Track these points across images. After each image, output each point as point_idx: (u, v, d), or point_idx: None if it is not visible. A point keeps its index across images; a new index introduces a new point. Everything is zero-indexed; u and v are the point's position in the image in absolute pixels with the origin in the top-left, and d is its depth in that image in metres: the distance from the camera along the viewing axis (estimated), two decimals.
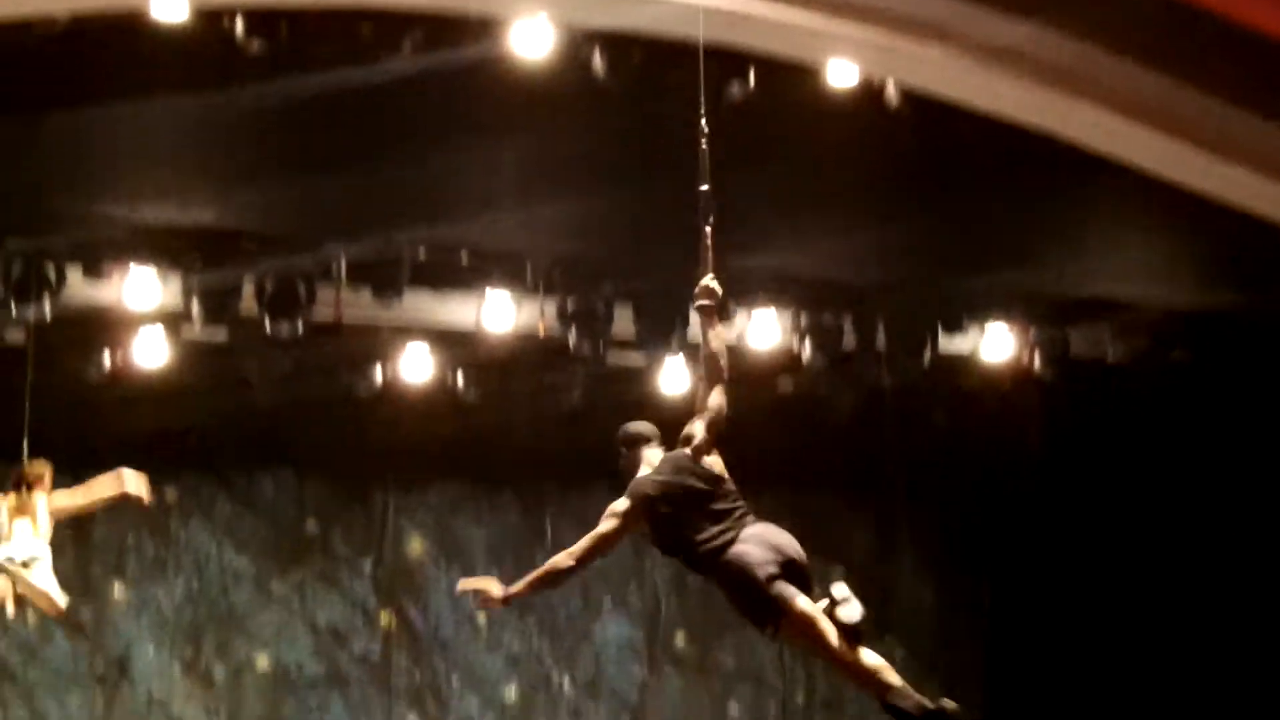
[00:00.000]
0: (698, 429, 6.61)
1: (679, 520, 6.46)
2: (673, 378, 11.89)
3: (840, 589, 6.59)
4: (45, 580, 9.18)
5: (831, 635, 6.29)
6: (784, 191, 10.23)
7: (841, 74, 9.55)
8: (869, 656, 6.37)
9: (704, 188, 6.88)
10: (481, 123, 9.65)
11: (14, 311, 10.13)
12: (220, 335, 10.88)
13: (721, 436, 6.61)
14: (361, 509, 13.29)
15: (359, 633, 13.07)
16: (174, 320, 10.78)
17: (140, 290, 10.41)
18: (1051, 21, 8.73)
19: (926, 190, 10.51)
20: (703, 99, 7.00)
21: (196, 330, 10.82)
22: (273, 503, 13.12)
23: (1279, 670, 12.16)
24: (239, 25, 9.04)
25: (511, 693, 13.32)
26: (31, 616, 12.28)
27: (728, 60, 9.14)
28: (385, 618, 13.16)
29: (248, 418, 11.71)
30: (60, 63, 9.06)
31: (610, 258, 10.99)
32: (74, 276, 10.22)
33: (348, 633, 13.04)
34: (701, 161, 6.93)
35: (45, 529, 9.31)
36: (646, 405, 12.09)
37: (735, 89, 9.46)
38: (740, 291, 10.91)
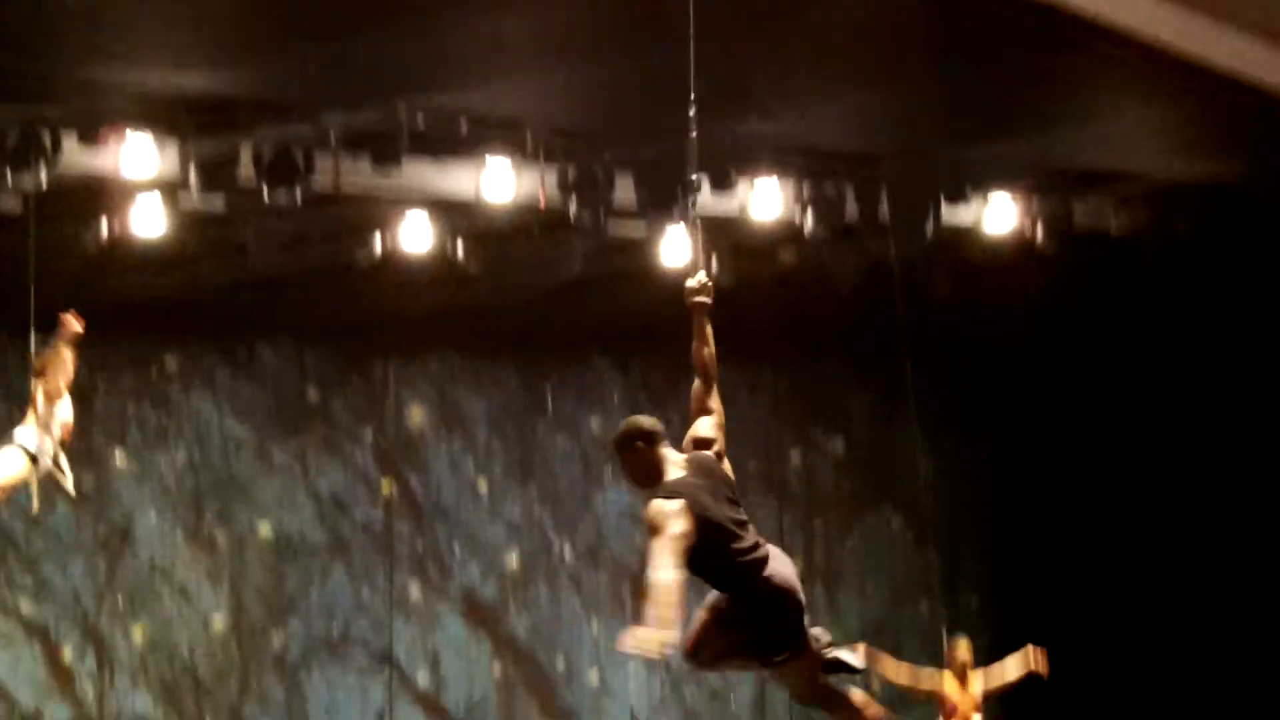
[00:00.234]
0: (707, 429, 6.20)
1: (716, 529, 5.92)
2: (674, 248, 11.84)
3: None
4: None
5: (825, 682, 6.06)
6: (786, 60, 10.09)
7: None
8: (857, 694, 6.22)
9: (693, 176, 6.69)
10: None
11: (10, 180, 10.04)
12: (218, 204, 10.79)
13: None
14: (362, 378, 13.31)
15: (360, 501, 13.15)
16: (171, 188, 10.69)
17: (137, 158, 10.31)
18: None
19: (930, 59, 10.37)
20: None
21: (194, 198, 10.74)
22: (273, 372, 13.14)
23: (1277, 526, 12.23)
24: None
25: (513, 560, 13.43)
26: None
27: None
28: (386, 486, 13.23)
29: (247, 286, 11.68)
30: None
31: (611, 126, 10.88)
32: (70, 144, 10.12)
33: (349, 501, 13.12)
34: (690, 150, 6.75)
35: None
36: (647, 276, 12.11)
37: None
38: (742, 161, 10.83)
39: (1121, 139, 11.28)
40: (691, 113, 6.54)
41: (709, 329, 6.20)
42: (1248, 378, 12.52)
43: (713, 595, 6.06)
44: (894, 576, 14.18)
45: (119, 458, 12.62)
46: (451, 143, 10.68)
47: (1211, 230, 11.97)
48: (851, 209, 11.46)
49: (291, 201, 10.53)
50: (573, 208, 10.97)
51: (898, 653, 13.40)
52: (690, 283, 6.21)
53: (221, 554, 12.74)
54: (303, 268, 11.65)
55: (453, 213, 11.39)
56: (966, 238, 11.98)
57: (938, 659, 13.44)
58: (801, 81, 10.32)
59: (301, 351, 13.17)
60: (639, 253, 11.91)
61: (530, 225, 11.55)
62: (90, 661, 12.25)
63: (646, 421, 6.18)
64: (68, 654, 12.22)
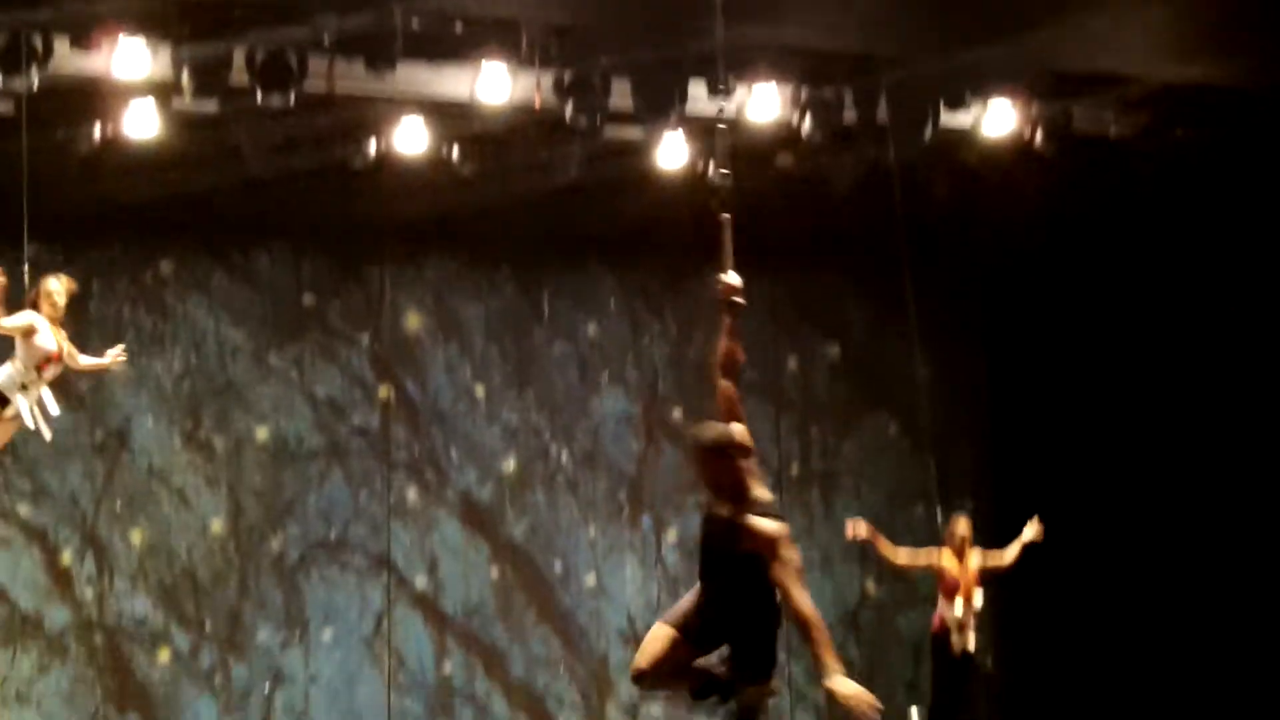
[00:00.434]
0: (744, 435, 6.14)
1: None
2: (671, 152, 11.77)
3: None
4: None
5: None
6: None
7: None
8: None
9: (723, 171, 6.65)
10: None
11: (1, 83, 9.97)
12: (211, 107, 10.73)
13: None
14: (358, 283, 13.28)
15: (357, 405, 13.17)
16: (164, 91, 10.62)
17: (130, 61, 10.23)
18: None
19: None
20: None
21: (187, 102, 10.67)
22: (269, 277, 13.11)
23: (1276, 437, 12.26)
24: None
25: (510, 465, 13.46)
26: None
27: None
28: (383, 391, 13.24)
29: (241, 191, 11.62)
30: None
31: (607, 28, 10.79)
32: (62, 48, 10.04)
33: (346, 405, 13.13)
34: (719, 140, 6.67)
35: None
36: (645, 181, 12.07)
37: None
38: (739, 64, 10.74)
39: (1121, 42, 11.19)
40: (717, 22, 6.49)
41: (731, 329, 6.23)
42: (1247, 282, 12.49)
43: (680, 612, 5.95)
44: (890, 482, 14.23)
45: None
46: (446, 45, 10.59)
47: (1211, 134, 11.91)
48: (849, 113, 11.39)
49: (285, 105, 10.47)
50: (569, 111, 10.90)
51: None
52: (726, 280, 6.25)
53: (219, 458, 12.77)
54: (298, 171, 11.58)
55: (448, 116, 11.32)
56: (965, 142, 11.92)
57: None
58: None
59: (297, 257, 13.14)
60: (636, 157, 11.85)
61: (526, 129, 11.49)
62: (89, 565, 12.32)
63: (740, 432, 6.09)
64: (67, 557, 12.29)
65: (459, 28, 10.50)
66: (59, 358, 8.95)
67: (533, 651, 13.23)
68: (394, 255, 13.32)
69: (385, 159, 11.51)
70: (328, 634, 12.76)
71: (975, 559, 10.41)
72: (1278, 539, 12.18)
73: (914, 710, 10.39)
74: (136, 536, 12.47)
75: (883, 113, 11.38)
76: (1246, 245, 12.37)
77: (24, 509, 12.25)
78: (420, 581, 13.07)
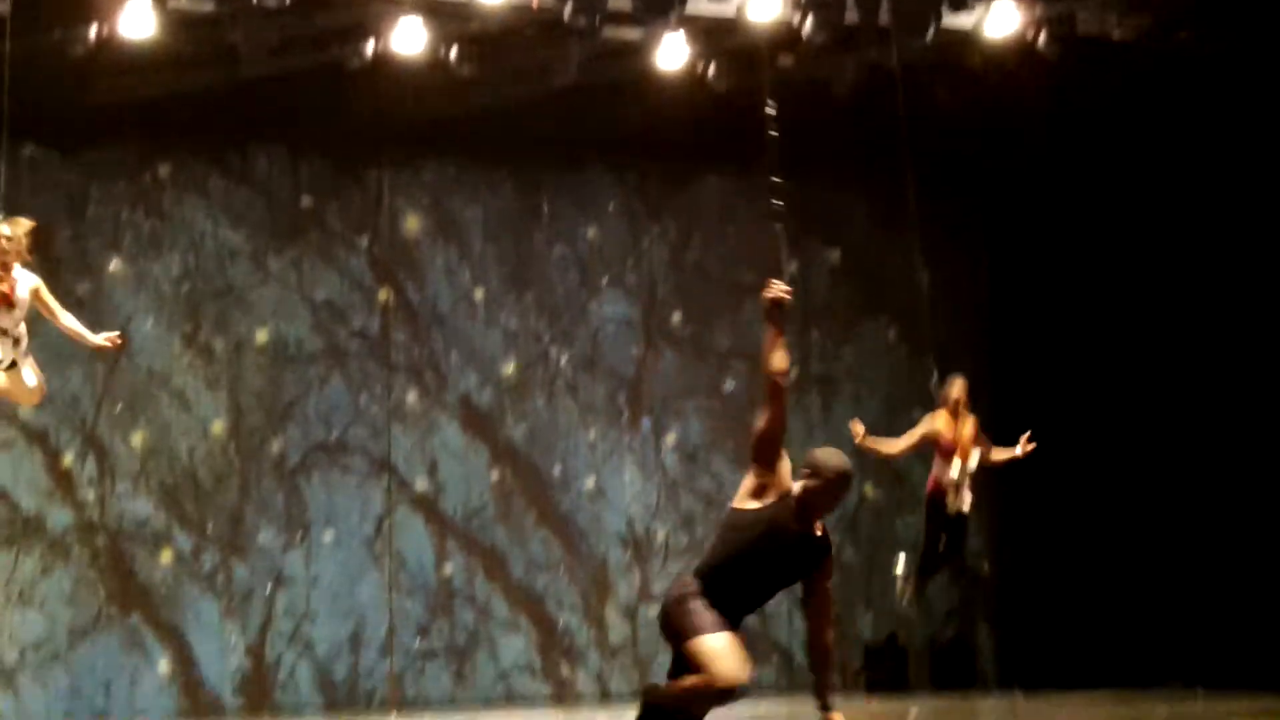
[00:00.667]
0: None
1: None
2: (670, 53, 11.67)
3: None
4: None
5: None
6: None
7: None
8: None
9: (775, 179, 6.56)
10: None
11: None
12: (207, 6, 10.64)
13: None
14: (357, 185, 13.23)
15: (357, 308, 13.16)
16: None
17: None
18: None
19: None
20: None
21: (183, 1, 10.58)
22: (267, 179, 13.06)
23: (1275, 337, 12.26)
24: None
25: (509, 368, 13.47)
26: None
27: None
28: (383, 294, 13.22)
29: (238, 92, 11.52)
30: None
31: None
32: None
33: (346, 308, 13.13)
34: (770, 149, 6.60)
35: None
36: (644, 82, 11.97)
37: None
38: None
39: None
40: None
41: (773, 339, 6.12)
42: (1248, 186, 12.44)
43: (719, 619, 5.96)
44: (889, 387, 14.23)
45: (114, 265, 12.60)
46: None
47: (1213, 36, 11.80)
48: (851, 14, 11.29)
49: (282, 4, 10.38)
50: (568, 11, 10.81)
51: (890, 460, 13.57)
52: (775, 290, 6.18)
53: (219, 361, 12.79)
54: (294, 71, 11.49)
55: (446, 16, 11.22)
56: (968, 43, 11.81)
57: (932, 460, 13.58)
58: None
59: (295, 159, 13.08)
60: (635, 58, 11.75)
61: (524, 30, 11.39)
62: (90, 467, 12.36)
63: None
64: (68, 459, 12.33)
65: None
66: (7, 301, 8.12)
67: (532, 554, 13.30)
68: (392, 157, 13.26)
69: (383, 60, 11.42)
70: (329, 536, 12.83)
71: (970, 422, 10.38)
72: (1277, 447, 12.20)
73: (900, 556, 10.42)
74: (137, 439, 12.50)
75: (885, 14, 11.27)
76: (1248, 148, 12.30)
77: (25, 411, 12.26)
78: (421, 484, 13.12)
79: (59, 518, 12.29)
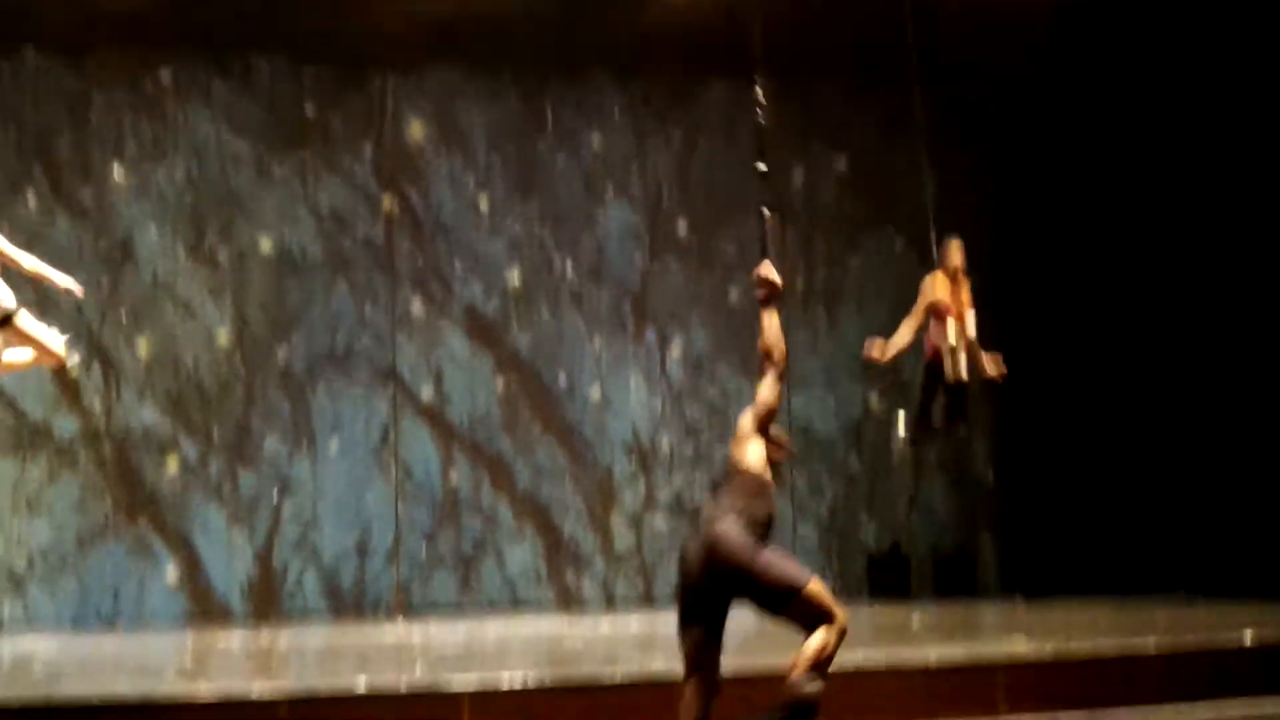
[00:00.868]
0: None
1: None
2: None
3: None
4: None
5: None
6: None
7: None
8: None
9: (761, 166, 6.50)
10: None
11: None
12: None
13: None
14: (359, 92, 13.15)
15: (361, 216, 13.12)
16: None
17: None
18: None
19: None
20: None
21: None
22: (269, 86, 12.98)
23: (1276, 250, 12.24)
24: None
25: (514, 278, 13.45)
26: (34, 202, 12.34)
27: None
28: (387, 202, 13.18)
29: None
30: None
31: None
32: None
33: (350, 217, 13.09)
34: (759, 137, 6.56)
35: None
36: None
37: None
38: None
39: None
40: None
41: (769, 321, 6.11)
42: (1253, 94, 12.34)
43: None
44: (895, 297, 14.15)
45: (117, 172, 12.55)
46: None
47: None
48: None
49: None
50: None
51: (896, 370, 13.57)
52: (766, 274, 6.19)
53: (223, 269, 12.77)
54: None
55: None
56: None
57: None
58: None
59: (298, 65, 12.99)
60: None
61: None
62: (96, 375, 12.38)
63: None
64: (74, 367, 12.32)
65: None
66: None
67: (538, 463, 13.34)
68: (395, 64, 13.17)
69: None
70: (334, 444, 12.86)
71: (967, 287, 10.33)
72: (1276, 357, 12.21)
73: (900, 414, 10.41)
74: (143, 347, 12.51)
75: None
76: (1254, 57, 12.20)
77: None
78: (426, 393, 13.14)
79: (65, 426, 12.32)
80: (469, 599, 13.00)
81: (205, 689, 7.01)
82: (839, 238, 14.25)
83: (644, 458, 13.58)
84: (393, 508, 12.95)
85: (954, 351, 10.16)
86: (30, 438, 12.23)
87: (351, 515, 12.85)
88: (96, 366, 12.39)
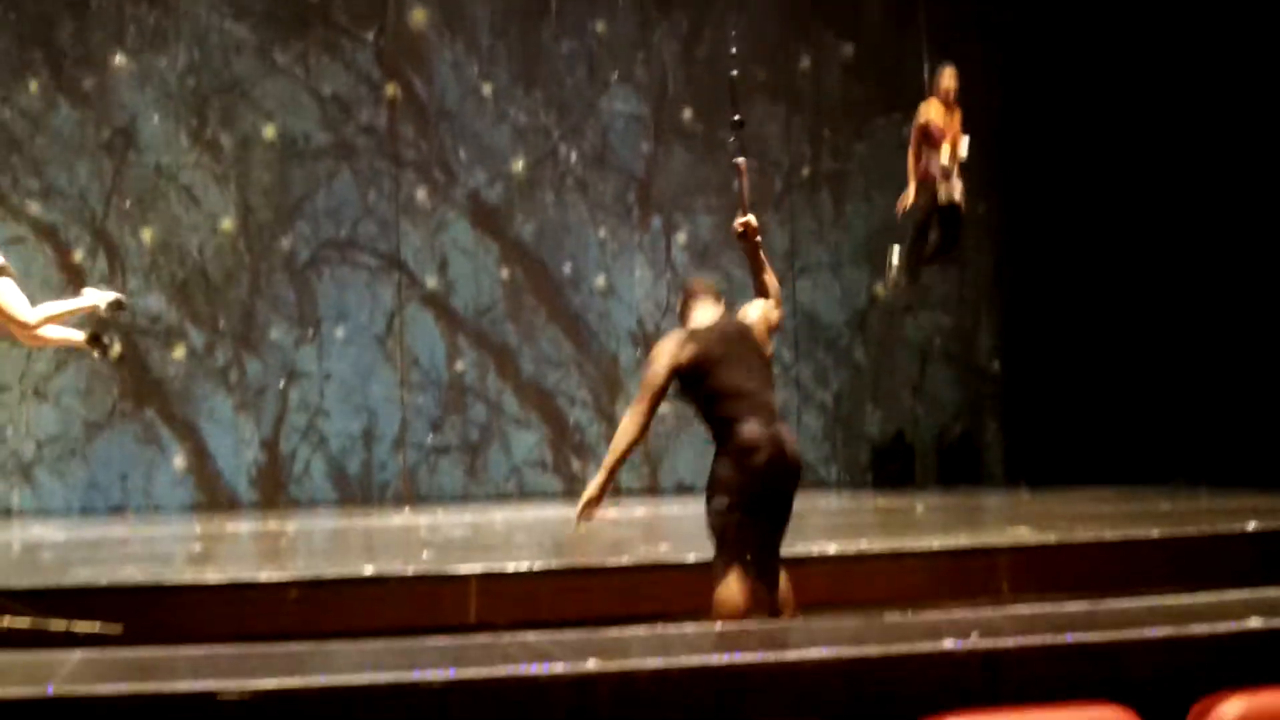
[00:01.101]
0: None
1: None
2: None
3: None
4: None
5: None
6: None
7: None
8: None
9: (736, 118, 6.44)
10: None
11: None
12: None
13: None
14: None
15: (364, 103, 13.03)
16: None
17: None
18: None
19: None
20: None
21: None
22: None
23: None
24: None
25: (518, 165, 13.39)
26: (36, 90, 12.25)
27: None
28: (390, 89, 13.09)
29: None
30: None
31: None
32: None
33: (353, 103, 13.00)
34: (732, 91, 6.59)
35: None
36: None
37: None
38: None
39: None
40: None
41: (758, 262, 6.14)
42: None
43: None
44: (900, 185, 14.10)
45: (119, 59, 12.46)
46: None
47: None
48: None
49: None
50: None
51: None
52: (747, 221, 6.11)
53: (226, 157, 12.71)
54: None
55: None
56: None
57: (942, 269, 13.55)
58: None
59: None
60: None
61: None
62: (101, 262, 12.37)
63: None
64: (79, 255, 12.33)
65: None
66: None
67: (543, 351, 13.36)
68: None
69: None
70: (340, 332, 12.87)
71: (960, 113, 10.28)
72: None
73: (894, 248, 10.37)
74: (147, 234, 12.49)
75: None
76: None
77: (34, 207, 12.25)
78: (431, 281, 13.13)
79: None
80: (475, 487, 13.06)
81: (214, 574, 7.06)
82: (846, 125, 14.16)
83: (649, 346, 13.55)
84: (398, 395, 12.98)
85: (946, 173, 10.10)
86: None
87: (358, 403, 12.89)
88: (102, 254, 12.37)
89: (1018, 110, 14.09)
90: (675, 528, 10.28)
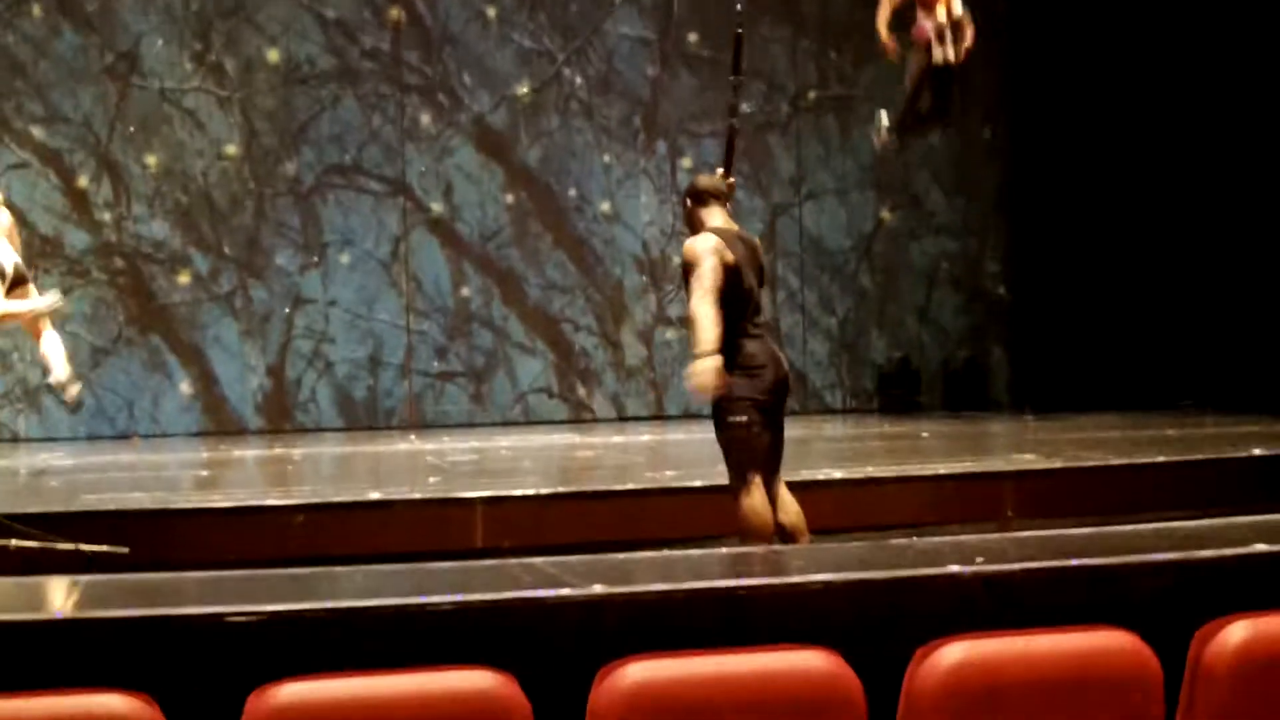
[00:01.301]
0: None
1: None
2: None
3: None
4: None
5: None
6: None
7: None
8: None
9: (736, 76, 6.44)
10: None
11: None
12: None
13: None
14: None
15: (367, 27, 12.95)
16: None
17: None
18: None
19: None
20: None
21: None
22: None
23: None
24: None
25: (523, 89, 13.31)
26: (39, 14, 12.18)
27: None
28: (394, 12, 13.00)
29: None
30: None
31: None
32: None
33: (356, 27, 12.92)
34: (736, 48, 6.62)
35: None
36: None
37: None
38: None
39: None
40: None
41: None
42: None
43: None
44: None
45: None
46: None
47: None
48: None
49: None
50: None
51: (907, 181, 13.47)
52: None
53: (230, 81, 12.64)
54: None
55: None
56: None
57: (950, 185, 13.52)
58: None
59: None
60: None
61: None
62: (106, 189, 12.33)
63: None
64: (83, 180, 12.29)
65: None
66: None
67: (548, 276, 13.34)
68: None
69: None
70: (345, 257, 12.85)
71: None
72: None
73: (882, 113, 10.29)
74: (151, 160, 12.44)
75: None
76: None
77: (38, 132, 12.20)
78: (436, 206, 13.09)
79: (76, 239, 12.31)
80: (481, 414, 13.08)
81: (221, 499, 7.08)
82: (852, 50, 14.04)
83: (654, 271, 13.56)
84: (404, 321, 12.98)
85: (942, 30, 9.98)
86: (41, 251, 12.20)
87: (364, 329, 12.88)
88: (106, 180, 12.33)
89: (1024, 32, 13.99)
90: (680, 453, 10.31)
